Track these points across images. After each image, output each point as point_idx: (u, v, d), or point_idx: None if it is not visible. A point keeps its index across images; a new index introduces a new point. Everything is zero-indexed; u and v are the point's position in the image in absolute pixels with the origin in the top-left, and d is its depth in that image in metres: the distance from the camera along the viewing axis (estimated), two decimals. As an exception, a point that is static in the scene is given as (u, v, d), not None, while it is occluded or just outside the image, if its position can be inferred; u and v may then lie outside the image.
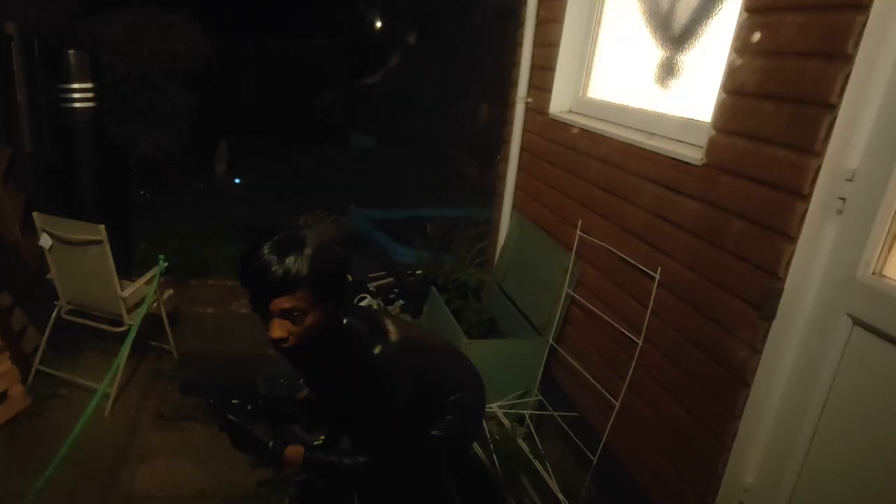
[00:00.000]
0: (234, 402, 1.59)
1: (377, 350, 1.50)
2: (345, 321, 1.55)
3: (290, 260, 1.36)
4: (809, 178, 1.72)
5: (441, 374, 1.80)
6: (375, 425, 1.58)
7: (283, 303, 1.37)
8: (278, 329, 1.41)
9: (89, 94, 3.86)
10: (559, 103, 3.24)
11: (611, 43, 3.05)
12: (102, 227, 3.04)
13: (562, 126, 3.13)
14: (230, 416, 1.58)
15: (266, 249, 1.38)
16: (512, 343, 3.13)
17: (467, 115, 7.75)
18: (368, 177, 7.78)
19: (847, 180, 1.66)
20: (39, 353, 3.36)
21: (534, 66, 3.42)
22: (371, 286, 4.18)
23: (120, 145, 5.36)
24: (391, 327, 1.57)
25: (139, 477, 2.77)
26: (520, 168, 3.58)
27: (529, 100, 3.46)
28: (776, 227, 1.81)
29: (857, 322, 1.63)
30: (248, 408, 1.60)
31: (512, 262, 3.48)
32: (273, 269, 1.36)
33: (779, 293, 1.79)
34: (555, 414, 2.87)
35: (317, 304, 1.40)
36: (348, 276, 1.54)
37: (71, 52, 3.75)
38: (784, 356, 1.81)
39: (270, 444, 1.57)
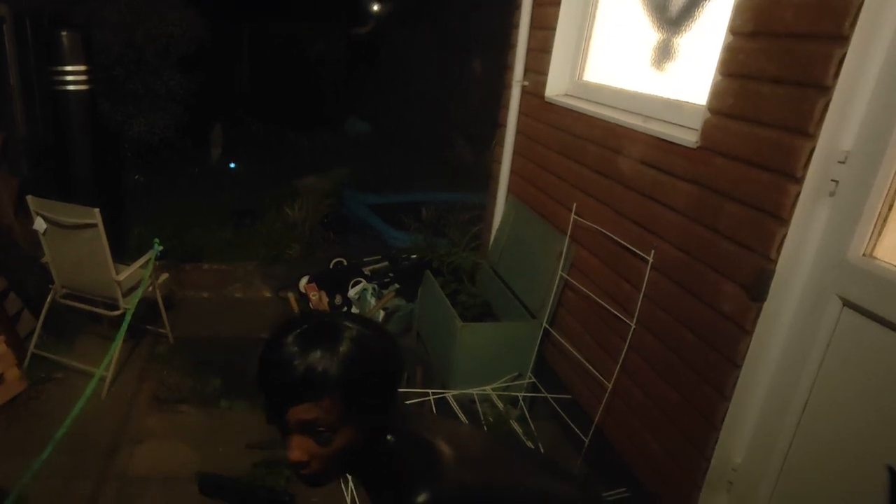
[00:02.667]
0: None
1: (421, 499, 1.07)
2: (388, 438, 1.14)
3: (317, 355, 1.03)
4: (803, 160, 1.72)
5: None
6: None
7: (304, 413, 1.03)
8: (297, 449, 1.06)
9: (83, 77, 3.83)
10: (555, 86, 3.23)
11: (607, 26, 3.03)
12: (97, 210, 3.03)
13: (557, 109, 3.12)
14: None
15: (290, 339, 1.06)
16: (506, 326, 3.14)
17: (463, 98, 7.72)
18: (364, 161, 7.77)
19: (840, 162, 1.66)
20: (35, 337, 3.36)
21: (530, 49, 3.40)
22: (366, 270, 4.19)
23: (114, 128, 5.33)
24: (449, 459, 1.14)
25: (135, 459, 2.79)
26: (515, 152, 3.57)
27: (526, 83, 3.44)
28: (769, 210, 1.81)
29: (846, 303, 1.64)
30: None
31: (506, 245, 3.49)
32: (294, 364, 1.03)
33: (770, 275, 1.80)
34: (548, 396, 2.89)
35: (349, 419, 1.05)
36: (397, 388, 1.15)
37: (64, 33, 3.71)
38: (774, 338, 1.82)
39: None
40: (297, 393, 1.03)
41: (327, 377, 1.02)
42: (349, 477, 1.48)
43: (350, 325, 1.08)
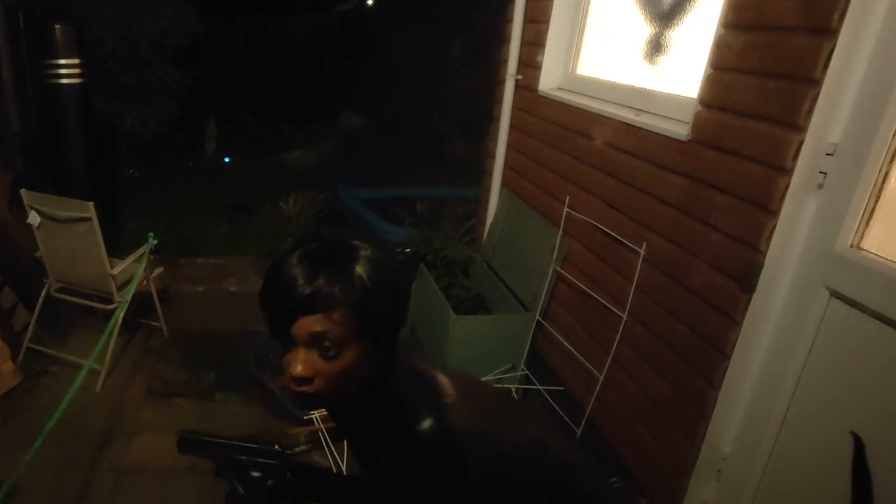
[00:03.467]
0: (253, 474, 1.16)
1: (425, 425, 1.03)
2: (391, 367, 1.11)
3: (332, 267, 1.01)
4: (792, 152, 1.74)
5: (535, 479, 1.19)
6: None
7: (313, 324, 0.99)
8: (302, 363, 1.01)
9: (76, 70, 3.82)
10: (549, 80, 3.24)
11: (600, 19, 3.04)
12: (91, 203, 3.04)
13: (551, 103, 3.13)
14: (246, 497, 1.16)
15: (301, 253, 1.03)
16: (499, 318, 3.15)
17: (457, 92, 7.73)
18: (358, 156, 7.77)
19: (828, 154, 1.68)
20: (30, 330, 3.36)
21: (524, 43, 3.41)
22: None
23: (108, 122, 5.32)
24: (451, 392, 1.10)
25: (130, 451, 2.80)
26: (509, 145, 3.58)
27: (519, 77, 3.45)
28: (759, 202, 1.83)
29: (834, 294, 1.66)
30: (270, 483, 1.17)
31: (500, 238, 3.50)
32: (309, 274, 1.00)
33: (759, 267, 1.82)
34: (540, 388, 2.91)
35: (359, 337, 1.01)
36: (405, 315, 1.12)
37: (57, 26, 3.70)
38: (763, 328, 1.84)
39: None
40: (310, 302, 0.99)
41: (342, 288, 0.99)
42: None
43: (364, 244, 1.06)
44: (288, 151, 6.15)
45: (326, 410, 1.33)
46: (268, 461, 1.17)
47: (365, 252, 1.04)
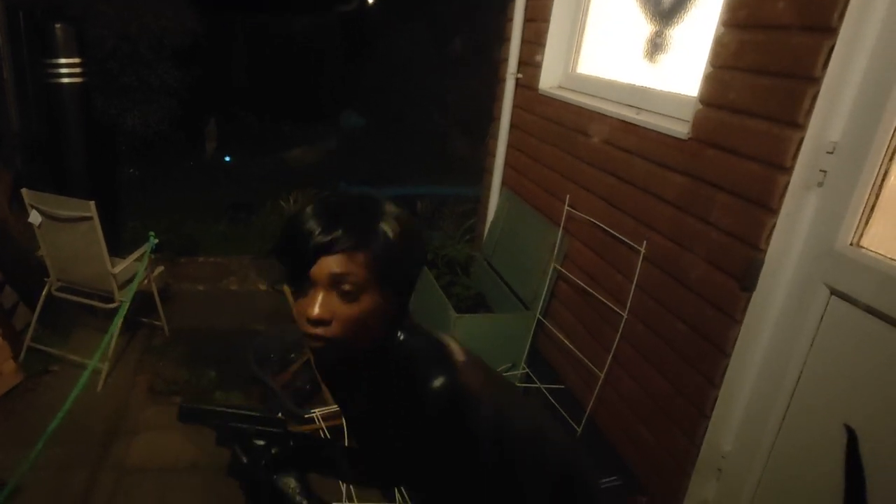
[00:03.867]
0: (256, 442, 1.13)
1: (436, 383, 1.02)
2: (401, 337, 1.10)
3: (358, 211, 1.03)
4: (792, 150, 1.74)
5: (536, 464, 1.19)
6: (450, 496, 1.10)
7: (337, 264, 0.98)
8: (321, 305, 0.99)
9: (77, 70, 3.82)
10: (549, 79, 3.24)
11: (600, 18, 3.04)
12: (92, 203, 3.04)
13: (551, 102, 3.13)
14: (248, 465, 1.12)
15: (325, 199, 1.05)
16: (500, 317, 3.16)
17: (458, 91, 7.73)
18: (359, 155, 7.77)
19: (828, 153, 1.68)
20: (31, 330, 3.37)
21: (524, 42, 3.41)
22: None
23: (108, 122, 5.32)
24: (461, 356, 1.09)
25: (131, 450, 2.81)
26: (509, 144, 3.59)
27: (520, 75, 3.45)
28: (759, 200, 1.83)
29: (834, 292, 1.66)
30: (273, 451, 1.14)
31: (500, 237, 3.50)
32: (331, 215, 1.01)
33: (759, 265, 1.82)
34: (541, 386, 2.92)
35: (378, 284, 1.01)
36: (420, 274, 1.12)
37: (57, 26, 3.70)
38: (763, 326, 1.84)
39: None
40: (334, 242, 0.98)
41: (366, 231, 1.00)
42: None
43: (385, 199, 1.08)
44: (288, 150, 6.15)
45: (327, 378, 1.29)
46: (271, 429, 1.15)
47: (388, 204, 1.06)
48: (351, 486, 2.38)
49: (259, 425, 1.15)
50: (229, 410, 1.16)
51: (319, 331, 1.01)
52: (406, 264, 1.07)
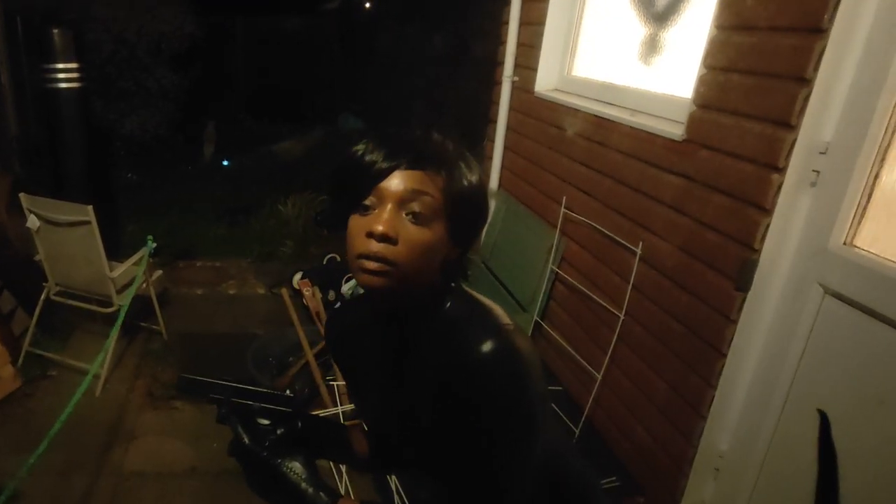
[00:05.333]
0: (261, 421, 1.04)
1: (486, 347, 0.91)
2: (447, 304, 1.01)
3: (439, 139, 0.98)
4: (785, 151, 1.75)
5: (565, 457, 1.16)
6: (482, 475, 0.94)
7: (415, 181, 0.91)
8: (390, 221, 0.91)
9: (75, 75, 3.83)
10: (545, 81, 3.25)
11: (595, 20, 3.05)
12: (90, 207, 3.04)
13: (547, 104, 3.14)
14: (251, 446, 1.01)
15: (406, 125, 1.01)
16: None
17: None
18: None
19: (821, 153, 1.69)
20: (29, 334, 3.37)
21: (520, 45, 3.43)
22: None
23: (106, 126, 5.34)
24: (506, 322, 0.99)
25: (130, 455, 2.81)
26: (506, 147, 3.60)
27: (516, 78, 3.47)
28: (753, 201, 1.84)
29: (828, 291, 1.68)
30: (279, 432, 1.04)
31: (498, 240, 3.51)
32: (411, 136, 0.97)
33: (754, 265, 1.83)
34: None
35: (449, 219, 0.94)
36: (480, 234, 1.06)
37: (55, 31, 3.72)
38: (758, 326, 1.85)
39: (317, 497, 0.97)
40: (416, 155, 0.92)
41: (452, 151, 0.96)
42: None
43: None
44: (277, 143, 6.22)
45: (347, 340, 1.16)
46: (278, 407, 1.03)
47: (468, 154, 1.01)
48: (346, 478, 2.38)
49: (265, 402, 1.02)
50: (232, 384, 1.06)
51: (381, 248, 0.90)
52: (477, 214, 1.00)
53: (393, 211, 0.91)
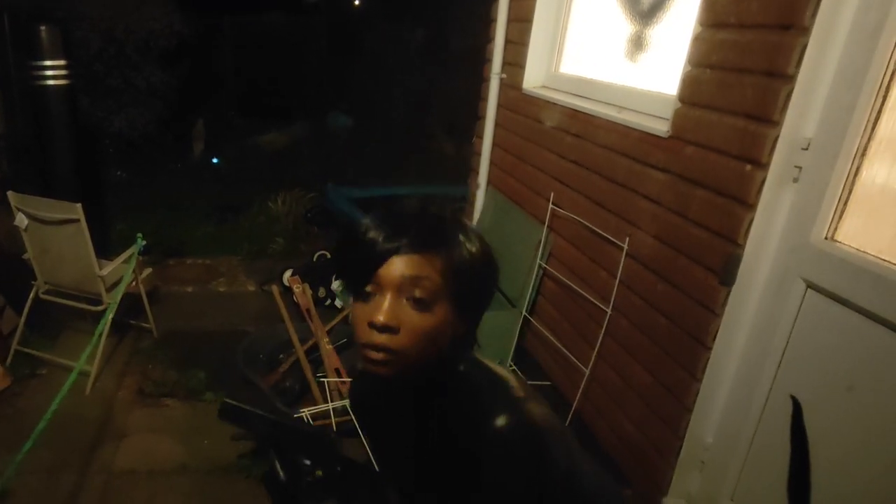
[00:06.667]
0: (302, 461, 1.03)
1: (500, 421, 0.92)
2: (461, 368, 1.01)
3: (434, 217, 0.97)
4: (768, 147, 1.77)
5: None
6: None
7: (411, 266, 0.90)
8: (390, 310, 0.90)
9: (62, 72, 3.80)
10: (532, 78, 3.27)
11: (582, 18, 3.07)
12: (79, 205, 3.03)
13: (535, 101, 3.16)
14: (286, 483, 1.01)
15: (398, 205, 0.98)
16: (486, 315, 3.14)
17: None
18: (346, 155, 7.77)
19: (803, 149, 1.72)
20: (18, 333, 3.35)
21: (508, 42, 3.44)
22: (349, 263, 4.21)
23: (95, 124, 5.31)
24: (519, 392, 1.00)
25: (120, 453, 2.80)
26: (494, 144, 3.61)
27: (504, 75, 3.48)
28: (736, 196, 1.87)
29: (810, 285, 1.70)
30: (318, 473, 1.03)
31: (486, 236, 3.51)
32: (413, 214, 0.96)
33: (738, 259, 1.86)
34: (528, 383, 2.94)
35: (452, 297, 0.93)
36: (489, 302, 1.05)
37: (43, 28, 3.69)
38: (742, 320, 1.88)
39: None
40: (415, 240, 0.91)
41: (449, 235, 0.94)
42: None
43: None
44: (262, 134, 6.26)
45: (365, 405, 1.17)
46: (320, 448, 1.05)
47: (467, 224, 1.00)
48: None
49: (307, 440, 1.06)
50: (275, 418, 1.07)
51: (384, 339, 0.91)
52: (481, 286, 0.99)
53: (393, 298, 0.91)
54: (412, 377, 0.97)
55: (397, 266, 0.90)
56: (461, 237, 0.95)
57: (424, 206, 0.98)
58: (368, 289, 0.92)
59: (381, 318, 0.90)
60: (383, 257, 0.90)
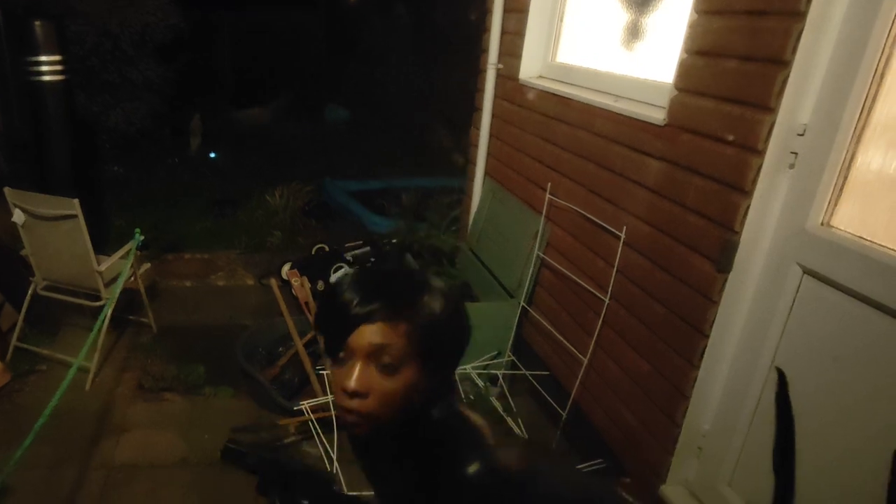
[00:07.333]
0: (299, 499, 1.08)
1: (472, 469, 0.96)
2: (434, 415, 1.04)
3: (402, 281, 1.02)
4: (764, 133, 1.77)
5: None
6: None
7: (377, 334, 0.95)
8: (358, 377, 0.95)
9: (58, 67, 3.79)
10: (529, 69, 3.26)
11: (578, 7, 3.06)
12: (76, 201, 3.03)
13: (532, 91, 3.15)
14: None
15: (370, 270, 1.04)
16: (485, 306, 3.18)
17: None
18: (344, 148, 7.77)
19: (799, 135, 1.72)
20: (17, 330, 3.35)
21: (504, 32, 3.43)
22: (348, 255, 4.22)
23: (91, 119, 5.30)
24: (491, 438, 1.03)
25: (121, 448, 2.81)
26: (491, 135, 3.61)
27: (500, 66, 3.47)
28: (732, 183, 1.87)
29: (806, 271, 1.70)
30: None
31: (484, 227, 3.53)
32: (375, 285, 0.99)
33: (735, 246, 1.86)
34: (527, 373, 2.95)
35: (419, 359, 0.97)
36: (461, 356, 1.07)
37: (38, 23, 3.68)
38: (739, 306, 1.88)
39: None
40: (377, 311, 0.94)
41: (410, 302, 0.97)
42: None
43: (430, 274, 1.05)
44: (245, 109, 6.35)
45: (355, 444, 1.21)
46: (321, 492, 1.08)
47: (435, 279, 1.03)
48: (336, 466, 2.40)
49: (306, 481, 1.09)
50: (276, 459, 1.10)
51: (355, 404, 0.96)
52: (449, 341, 1.02)
53: (363, 365, 0.95)
54: (386, 432, 1.01)
55: (365, 335, 0.95)
56: (426, 296, 0.98)
57: (387, 271, 1.03)
58: (341, 355, 0.97)
59: (350, 384, 0.95)
60: (354, 324, 0.95)
